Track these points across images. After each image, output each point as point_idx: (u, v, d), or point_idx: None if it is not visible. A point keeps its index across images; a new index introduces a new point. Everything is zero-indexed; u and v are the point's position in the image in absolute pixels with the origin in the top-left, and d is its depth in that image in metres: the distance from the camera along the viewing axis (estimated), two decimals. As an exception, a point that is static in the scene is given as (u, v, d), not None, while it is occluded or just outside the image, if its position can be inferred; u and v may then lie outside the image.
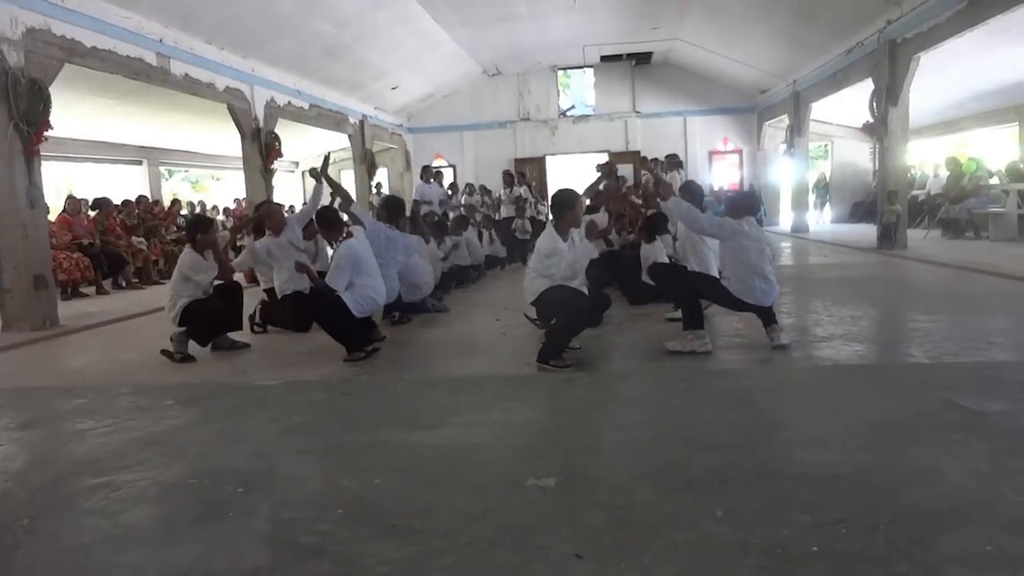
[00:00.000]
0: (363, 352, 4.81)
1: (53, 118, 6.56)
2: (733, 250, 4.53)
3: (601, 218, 6.63)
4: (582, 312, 4.41)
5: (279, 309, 6.03)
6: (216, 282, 5.32)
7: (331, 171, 19.66)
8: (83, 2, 7.14)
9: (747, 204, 4.93)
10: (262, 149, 10.48)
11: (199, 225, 5.30)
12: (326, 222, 5.52)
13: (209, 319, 5.12)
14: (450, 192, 13.61)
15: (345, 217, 5.82)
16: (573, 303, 4.33)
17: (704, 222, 4.65)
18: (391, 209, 6.33)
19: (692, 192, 5.75)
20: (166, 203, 14.00)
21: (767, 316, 4.56)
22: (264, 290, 6.46)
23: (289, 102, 11.69)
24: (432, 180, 12.81)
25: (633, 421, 3.29)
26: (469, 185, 14.96)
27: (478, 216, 12.12)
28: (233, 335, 5.43)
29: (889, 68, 10.01)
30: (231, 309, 5.31)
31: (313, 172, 6.39)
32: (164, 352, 5.02)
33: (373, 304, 5.05)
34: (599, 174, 6.53)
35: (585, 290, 4.56)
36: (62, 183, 14.76)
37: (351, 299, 4.83)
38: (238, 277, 6.10)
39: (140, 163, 15.04)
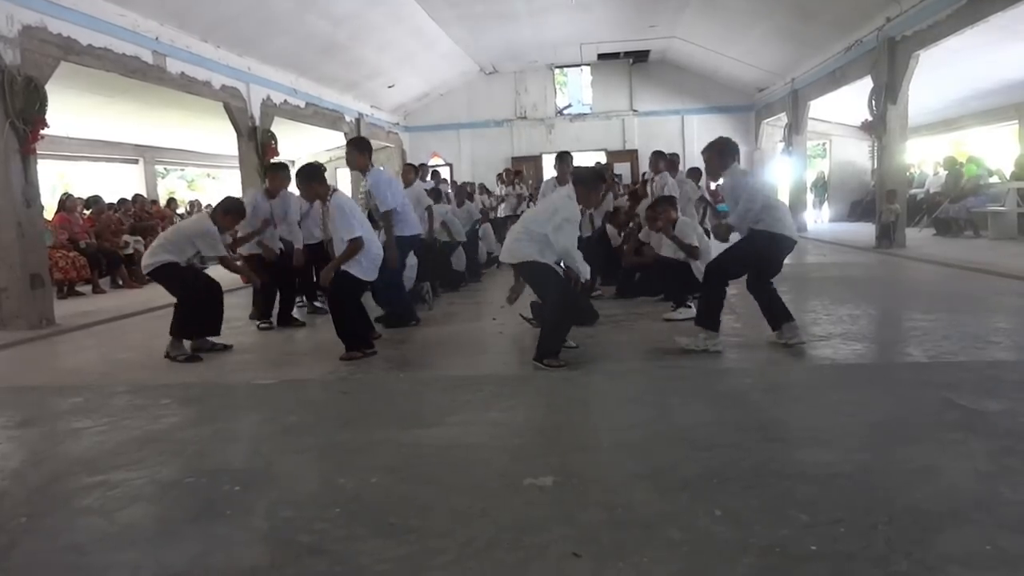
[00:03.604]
0: (360, 353, 4.79)
1: (49, 116, 6.54)
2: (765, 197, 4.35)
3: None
4: (568, 304, 4.31)
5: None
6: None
7: (329, 171, 19.56)
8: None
9: (730, 149, 4.53)
10: (258, 148, 10.46)
11: (229, 209, 5.30)
12: (308, 177, 4.93)
13: (192, 304, 5.08)
14: (439, 189, 13.48)
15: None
16: (560, 285, 4.29)
17: (753, 200, 4.31)
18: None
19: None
20: (162, 202, 13.98)
21: (783, 314, 4.42)
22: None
23: (285, 100, 11.67)
24: (429, 178, 12.75)
25: (631, 420, 3.28)
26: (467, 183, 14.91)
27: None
28: (212, 338, 5.33)
29: (888, 66, 10.02)
30: (214, 301, 5.28)
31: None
32: (168, 356, 5.01)
33: (378, 260, 4.92)
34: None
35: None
36: (57, 181, 14.73)
37: (357, 267, 4.73)
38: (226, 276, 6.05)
39: (136, 162, 15.04)
